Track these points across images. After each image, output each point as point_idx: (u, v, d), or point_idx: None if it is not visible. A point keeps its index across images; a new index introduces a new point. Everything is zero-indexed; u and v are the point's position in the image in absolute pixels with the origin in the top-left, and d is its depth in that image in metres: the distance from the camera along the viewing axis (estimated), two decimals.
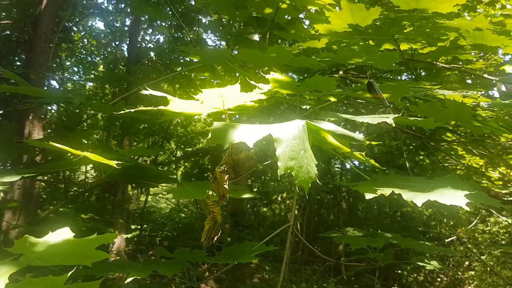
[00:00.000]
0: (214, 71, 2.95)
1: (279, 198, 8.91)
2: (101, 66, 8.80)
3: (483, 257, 6.55)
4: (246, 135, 1.07)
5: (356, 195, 7.65)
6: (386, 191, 1.23)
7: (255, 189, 8.34)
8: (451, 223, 6.81)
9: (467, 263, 6.76)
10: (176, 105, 1.36)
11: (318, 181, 1.09)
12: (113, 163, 1.44)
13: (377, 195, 1.22)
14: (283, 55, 1.74)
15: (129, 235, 7.76)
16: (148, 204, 8.96)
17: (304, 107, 2.09)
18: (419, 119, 1.28)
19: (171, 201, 9.48)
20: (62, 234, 1.33)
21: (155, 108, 1.38)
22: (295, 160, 1.08)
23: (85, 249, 1.29)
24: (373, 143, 1.29)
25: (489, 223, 6.82)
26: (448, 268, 7.15)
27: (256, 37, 4.86)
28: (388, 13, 2.54)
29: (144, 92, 1.34)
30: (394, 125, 1.21)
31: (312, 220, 8.20)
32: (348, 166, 7.92)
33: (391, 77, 4.47)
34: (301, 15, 3.31)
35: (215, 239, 1.38)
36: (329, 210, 8.63)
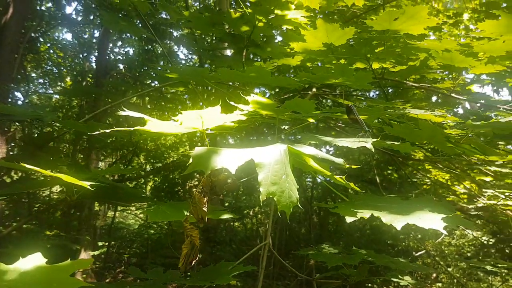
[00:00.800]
0: (188, 85, 2.93)
1: (251, 213, 8.87)
2: (68, 78, 8.58)
3: (449, 269, 6.71)
4: (228, 161, 1.05)
5: (327, 208, 7.72)
6: (366, 214, 1.24)
7: (226, 204, 8.27)
8: (419, 236, 6.96)
9: (434, 275, 6.91)
10: (154, 125, 1.33)
11: (299, 205, 1.08)
12: (87, 184, 1.39)
13: (357, 218, 1.23)
14: (262, 75, 1.74)
15: (96, 252, 7.51)
16: (116, 220, 8.73)
17: (282, 127, 2.10)
18: (396, 143, 1.30)
19: (139, 217, 9.27)
20: (34, 260, 1.26)
21: (132, 129, 1.34)
22: (277, 185, 1.07)
23: (59, 276, 1.22)
24: (353, 166, 1.30)
25: (455, 236, 7.01)
26: (417, 282, 7.28)
27: (228, 52, 4.86)
28: (362, 33, 2.60)
29: (121, 113, 1.30)
30: (373, 150, 1.22)
31: (284, 234, 8.18)
32: (319, 180, 7.98)
33: (360, 93, 4.57)
34: (275, 31, 3.34)
35: (193, 263, 1.35)
36: (300, 224, 8.65)
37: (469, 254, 7.08)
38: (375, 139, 1.26)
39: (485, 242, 6.82)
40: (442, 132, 1.53)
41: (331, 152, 8.45)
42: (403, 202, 1.43)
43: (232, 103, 1.46)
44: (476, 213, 4.64)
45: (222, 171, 1.39)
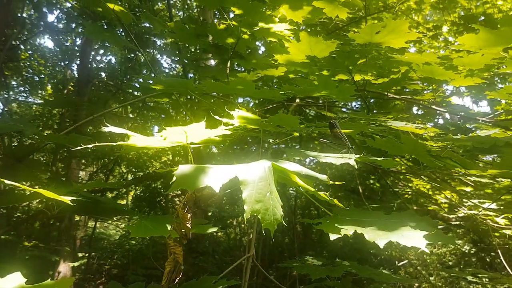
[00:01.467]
0: (171, 96, 2.91)
1: (234, 222, 8.82)
2: (49, 86, 8.44)
3: (431, 278, 6.78)
4: (213, 179, 1.04)
5: (310, 217, 7.73)
6: (349, 231, 1.24)
7: (210, 214, 8.21)
8: (401, 245, 7.00)
9: (416, 284, 6.97)
10: (137, 140, 1.32)
11: (284, 222, 1.08)
12: (68, 200, 1.36)
13: (341, 235, 1.23)
14: (247, 87, 1.74)
15: (76, 264, 7.35)
16: (97, 230, 8.58)
17: (267, 139, 2.10)
18: (378, 159, 1.31)
19: (120, 228, 9.13)
20: (14, 280, 1.23)
21: (115, 144, 1.33)
22: (262, 202, 1.07)
23: None
24: (336, 183, 1.30)
25: (436, 245, 7.10)
26: None
27: (212, 61, 4.87)
28: (344, 45, 2.63)
29: (104, 129, 1.28)
30: (356, 166, 1.23)
31: (268, 244, 8.15)
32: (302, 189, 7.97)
33: (341, 104, 4.61)
34: (259, 42, 3.37)
35: (176, 280, 1.33)
36: (284, 234, 8.63)
37: (450, 263, 7.17)
38: (358, 156, 1.27)
39: (466, 251, 6.92)
40: (424, 146, 1.56)
41: (314, 161, 8.49)
42: (386, 217, 1.44)
43: (217, 117, 1.45)
44: (457, 222, 4.71)
45: (207, 187, 1.38)
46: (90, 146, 1.34)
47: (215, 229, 1.66)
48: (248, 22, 2.41)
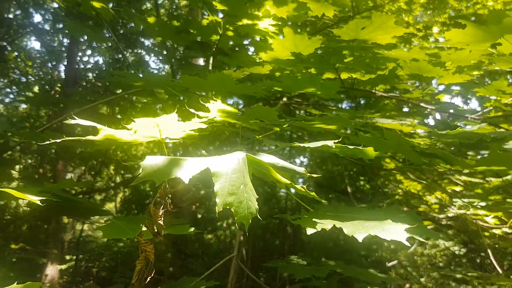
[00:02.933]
0: (155, 95, 2.85)
1: (224, 224, 8.75)
2: (36, 87, 8.33)
3: (422, 279, 6.75)
4: (181, 170, 0.99)
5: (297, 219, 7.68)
6: (327, 225, 1.19)
7: (199, 216, 8.13)
8: (392, 246, 7.00)
9: (407, 285, 6.94)
10: (107, 134, 1.26)
11: (259, 216, 1.02)
12: (37, 200, 1.29)
13: (318, 230, 1.18)
14: (226, 82, 1.69)
15: (64, 266, 7.24)
16: (85, 233, 8.46)
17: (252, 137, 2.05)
18: (359, 147, 1.26)
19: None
20: None
21: (84, 138, 1.27)
22: (235, 195, 1.01)
23: None
24: (313, 175, 1.25)
25: (427, 246, 7.08)
26: None
27: (201, 61, 4.81)
28: (330, 42, 2.59)
29: (71, 121, 1.22)
30: (334, 147, 1.18)
31: (258, 245, 8.09)
32: (293, 190, 7.94)
33: (332, 104, 4.58)
34: (246, 42, 3.31)
35: (148, 279, 1.27)
36: (274, 235, 8.57)
37: (441, 264, 7.16)
38: (337, 140, 1.22)
39: (456, 252, 6.91)
40: (408, 142, 1.51)
41: (305, 163, 8.45)
42: (368, 213, 1.39)
43: (192, 110, 1.39)
44: (447, 223, 4.70)
45: (180, 182, 1.32)
46: (58, 140, 1.27)
47: (191, 229, 1.60)
48: (232, 18, 2.36)
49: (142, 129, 1.28)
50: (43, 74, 8.46)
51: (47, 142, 1.31)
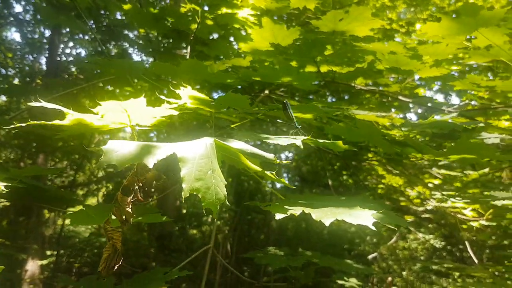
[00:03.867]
0: (131, 84, 2.81)
1: (209, 219, 8.73)
2: (16, 80, 8.17)
3: (404, 273, 6.84)
4: (145, 155, 0.97)
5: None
6: (297, 211, 1.19)
7: (184, 211, 8.09)
8: (374, 240, 7.07)
9: (389, 279, 7.03)
10: (74, 119, 1.23)
11: (227, 202, 1.01)
12: (1, 186, 1.26)
13: (287, 215, 1.18)
14: (198, 70, 1.67)
15: (45, 262, 7.15)
16: (66, 228, 8.35)
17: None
18: (328, 141, 1.26)
19: (91, 225, 8.92)
20: None
21: (49, 123, 1.24)
22: (202, 181, 1.00)
23: None
24: (283, 162, 1.24)
25: (408, 240, 7.17)
26: (371, 286, 7.39)
27: (185, 52, 4.76)
28: (308, 34, 2.59)
29: (35, 104, 1.19)
30: (302, 146, 1.18)
31: (243, 240, 8.10)
32: (278, 185, 7.97)
33: (313, 98, 4.59)
34: (226, 31, 3.29)
35: (116, 268, 1.25)
36: (259, 230, 8.59)
37: (422, 258, 7.26)
38: (305, 137, 1.22)
39: (437, 245, 7.02)
40: (379, 131, 1.52)
41: (290, 157, 8.46)
42: (339, 201, 1.40)
43: (162, 97, 1.38)
44: (427, 216, 4.76)
45: (149, 169, 1.30)
46: (23, 124, 1.24)
47: (163, 218, 1.58)
48: (211, 6, 2.33)
49: (110, 114, 1.25)
50: (23, 66, 8.31)
51: (11, 126, 1.28)
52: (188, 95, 1.39)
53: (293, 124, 1.40)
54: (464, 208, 3.66)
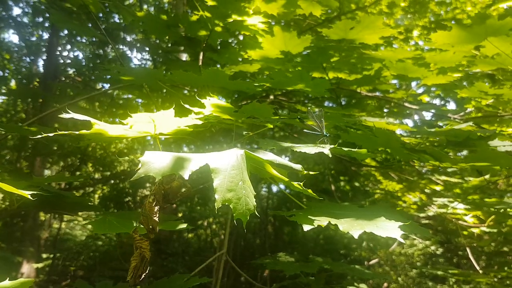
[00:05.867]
0: (141, 90, 2.81)
1: (205, 223, 8.71)
2: (13, 82, 8.09)
3: (400, 279, 6.87)
4: (181, 166, 0.98)
5: (282, 218, 7.72)
6: (323, 222, 1.20)
7: (180, 214, 8.07)
8: (371, 245, 7.10)
9: (385, 285, 7.06)
10: (101, 129, 1.24)
11: (256, 212, 1.02)
12: (27, 194, 1.26)
13: (314, 226, 1.19)
14: (219, 78, 1.68)
15: (40, 265, 7.08)
16: (62, 231, 8.28)
17: (242, 133, 2.04)
18: (353, 150, 1.27)
19: (87, 228, 8.85)
20: None
21: (77, 132, 1.24)
22: (234, 191, 1.01)
23: None
24: (310, 172, 1.26)
25: (404, 246, 7.21)
26: None
27: (183, 56, 4.76)
28: (319, 42, 2.61)
29: (65, 116, 1.19)
30: (330, 155, 1.19)
31: (239, 245, 8.08)
32: (274, 189, 7.97)
33: (318, 103, 4.61)
34: (235, 39, 3.30)
35: (143, 276, 1.25)
36: (255, 234, 8.58)
37: (419, 263, 7.30)
38: (333, 146, 1.23)
39: (434, 252, 7.07)
40: (398, 139, 1.53)
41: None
42: (360, 210, 1.41)
43: (187, 106, 1.38)
44: (426, 221, 4.79)
45: (175, 178, 1.30)
46: (51, 134, 1.25)
47: (184, 225, 1.58)
48: (221, 13, 2.34)
49: (137, 125, 1.26)
50: (21, 68, 8.24)
51: (39, 136, 1.28)
52: (211, 103, 1.40)
53: (316, 134, 1.42)
54: (465, 215, 3.70)
